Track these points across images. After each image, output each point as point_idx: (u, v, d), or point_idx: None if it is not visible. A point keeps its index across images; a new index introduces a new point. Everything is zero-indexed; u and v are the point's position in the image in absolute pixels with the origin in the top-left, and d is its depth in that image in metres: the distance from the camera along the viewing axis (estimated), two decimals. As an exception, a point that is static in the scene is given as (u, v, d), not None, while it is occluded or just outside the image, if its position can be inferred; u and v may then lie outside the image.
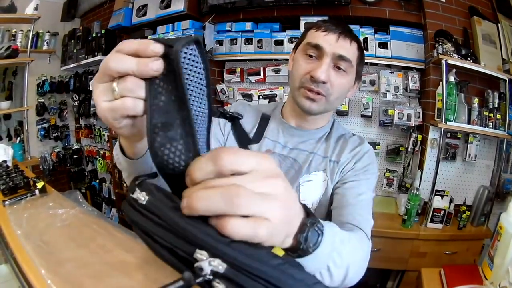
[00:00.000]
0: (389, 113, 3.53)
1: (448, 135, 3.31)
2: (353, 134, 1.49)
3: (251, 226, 0.46)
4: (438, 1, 3.25)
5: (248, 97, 4.27)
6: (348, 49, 1.28)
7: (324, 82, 1.27)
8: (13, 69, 5.74)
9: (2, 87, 5.75)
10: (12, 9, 5.05)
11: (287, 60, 3.70)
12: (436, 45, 3.12)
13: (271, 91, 4.07)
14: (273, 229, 0.48)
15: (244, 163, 0.49)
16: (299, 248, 0.61)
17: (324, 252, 0.67)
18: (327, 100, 1.31)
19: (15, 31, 5.47)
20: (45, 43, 5.91)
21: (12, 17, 5.09)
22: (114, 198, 5.57)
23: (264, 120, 1.53)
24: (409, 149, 3.54)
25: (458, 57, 3.07)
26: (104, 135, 5.62)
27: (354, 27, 3.31)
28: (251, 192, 0.46)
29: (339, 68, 1.29)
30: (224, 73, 4.44)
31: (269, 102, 4.07)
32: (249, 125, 1.51)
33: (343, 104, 3.66)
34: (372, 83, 3.61)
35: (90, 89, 5.45)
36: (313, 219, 0.63)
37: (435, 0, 3.25)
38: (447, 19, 3.29)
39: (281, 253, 0.51)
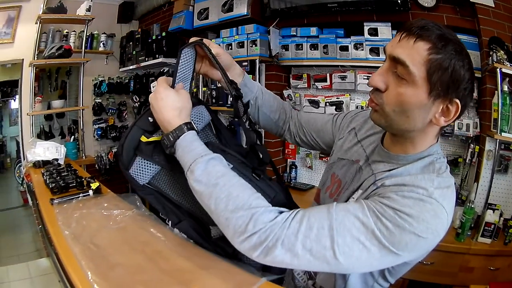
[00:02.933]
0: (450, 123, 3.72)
1: (502, 147, 3.41)
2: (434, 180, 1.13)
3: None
4: (488, 6, 3.38)
5: (315, 103, 4.49)
6: (408, 48, 1.10)
7: (376, 89, 1.20)
8: (67, 69, 6.27)
9: (55, 86, 6.29)
10: (62, 10, 5.49)
11: (353, 66, 4.03)
12: (491, 53, 3.26)
13: (337, 98, 4.28)
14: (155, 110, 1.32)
15: None
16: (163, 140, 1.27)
17: (181, 157, 1.24)
18: (383, 111, 1.19)
19: (67, 32, 5.97)
20: (101, 44, 6.42)
21: (63, 18, 5.58)
22: None
23: (368, 135, 1.52)
24: (467, 161, 3.66)
25: (511, 66, 3.17)
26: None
27: None
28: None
29: (398, 75, 1.13)
30: (291, 79, 4.72)
31: (335, 109, 4.27)
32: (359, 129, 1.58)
33: None
34: None
35: (151, 91, 5.98)
36: (178, 130, 1.25)
37: (486, 5, 3.38)
38: (497, 25, 3.42)
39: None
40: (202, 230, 1.43)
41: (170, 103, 1.29)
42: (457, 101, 1.12)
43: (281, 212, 1.11)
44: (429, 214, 1.06)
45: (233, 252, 1.29)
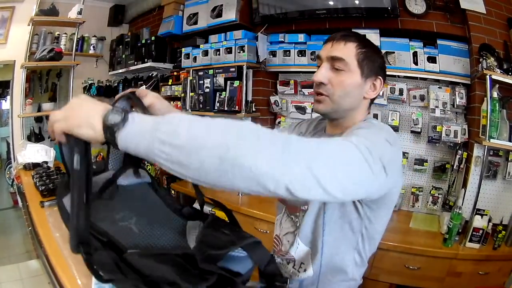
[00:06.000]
0: (437, 130, 3.73)
1: (491, 153, 3.43)
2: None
3: (57, 124, 1.01)
4: (479, 13, 3.43)
5: (301, 109, 4.53)
6: (341, 49, 1.51)
7: (322, 83, 1.53)
8: (57, 71, 6.30)
9: (45, 88, 6.31)
10: (54, 13, 5.49)
11: None
12: (481, 60, 3.28)
13: None
14: (70, 120, 1.00)
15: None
16: (106, 123, 0.95)
17: (142, 126, 0.95)
18: (331, 99, 1.54)
19: (58, 34, 6.01)
20: (92, 47, 6.48)
21: (54, 20, 5.60)
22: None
23: (314, 132, 1.86)
24: (454, 167, 3.69)
25: (501, 72, 3.20)
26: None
27: (404, 41, 3.65)
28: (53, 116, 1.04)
29: (337, 69, 1.51)
30: (278, 85, 4.75)
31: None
32: (304, 133, 1.89)
33: (394, 120, 3.91)
34: (422, 98, 3.84)
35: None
36: (117, 108, 0.99)
37: (477, 12, 3.43)
38: (489, 32, 3.45)
39: None
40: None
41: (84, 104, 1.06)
42: (380, 77, 1.60)
43: None
44: (382, 127, 1.47)
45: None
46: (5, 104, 7.13)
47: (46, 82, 6.48)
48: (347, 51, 1.51)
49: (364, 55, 1.53)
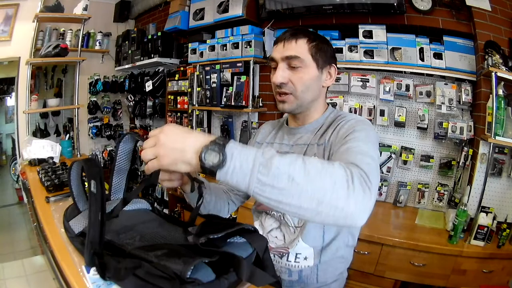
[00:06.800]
0: (443, 126, 3.74)
1: (496, 150, 3.43)
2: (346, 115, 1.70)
3: (151, 163, 1.05)
4: (485, 10, 3.42)
5: None
6: (294, 47, 1.60)
7: (283, 83, 1.62)
8: (63, 67, 6.34)
9: (51, 84, 6.37)
10: (59, 9, 5.56)
11: (347, 68, 4.06)
12: (486, 57, 3.29)
13: (331, 100, 4.27)
14: (164, 159, 1.02)
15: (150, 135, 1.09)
16: (204, 165, 0.97)
17: (241, 167, 0.98)
18: (295, 96, 1.65)
19: (64, 30, 6.04)
20: (97, 43, 6.53)
21: (60, 17, 5.63)
22: (167, 199, 5.98)
23: (278, 129, 1.98)
24: (460, 163, 3.68)
25: (506, 70, 3.20)
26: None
27: (410, 37, 3.65)
28: (146, 149, 1.06)
29: (294, 67, 1.61)
30: None
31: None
32: (267, 134, 2.00)
33: (400, 116, 3.93)
34: (428, 94, 3.85)
35: (146, 90, 5.99)
36: (213, 144, 0.98)
37: (483, 9, 3.42)
38: (494, 29, 3.44)
39: None
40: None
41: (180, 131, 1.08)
42: (333, 65, 1.72)
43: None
44: (367, 125, 1.56)
45: None
46: (10, 101, 7.17)
47: (51, 78, 6.53)
48: (300, 48, 1.61)
49: (316, 48, 1.63)
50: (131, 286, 1.02)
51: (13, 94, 6.05)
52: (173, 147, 1.02)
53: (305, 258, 1.68)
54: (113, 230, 1.26)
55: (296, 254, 1.68)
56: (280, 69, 1.63)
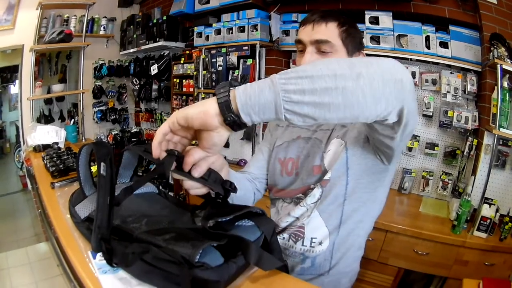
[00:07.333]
0: (448, 115, 3.76)
1: (500, 142, 3.45)
2: None
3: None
4: (490, 3, 3.42)
5: None
6: (324, 31, 1.52)
7: None
8: (67, 53, 6.38)
9: (55, 70, 6.41)
10: None
11: None
12: (492, 49, 3.30)
13: None
14: (180, 113, 0.96)
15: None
16: (230, 115, 0.91)
17: (264, 97, 0.88)
18: None
19: (68, 16, 6.05)
20: (102, 28, 6.55)
21: (64, 3, 5.68)
22: (172, 183, 5.99)
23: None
24: (465, 153, 3.71)
25: (511, 63, 3.23)
26: (165, 120, 6.02)
27: (416, 24, 3.65)
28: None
29: (323, 52, 1.53)
30: (291, 64, 4.80)
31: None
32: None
33: None
34: (434, 82, 3.87)
35: (152, 73, 6.04)
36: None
37: (488, 1, 3.43)
38: (499, 22, 3.44)
39: None
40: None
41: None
42: (362, 51, 1.66)
43: None
44: None
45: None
46: (14, 89, 7.21)
47: (55, 65, 6.56)
48: (330, 32, 1.53)
49: (346, 33, 1.56)
50: (138, 271, 1.04)
51: (17, 81, 6.06)
52: (187, 110, 0.97)
53: (320, 243, 1.62)
54: (119, 214, 1.27)
55: (312, 238, 1.63)
56: (309, 53, 1.56)
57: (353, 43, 1.58)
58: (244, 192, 1.78)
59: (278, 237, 1.62)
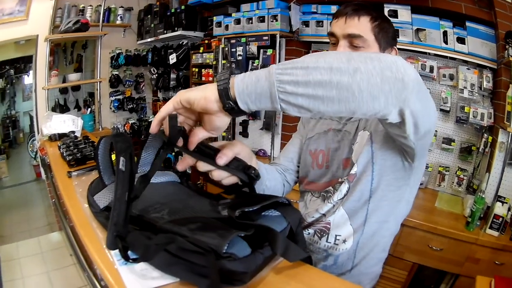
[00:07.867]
0: (465, 110, 3.74)
1: None
2: None
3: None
4: (505, 1, 3.38)
5: None
6: (357, 25, 1.50)
7: None
8: (83, 42, 6.42)
9: (70, 60, 6.46)
10: None
11: None
12: (507, 47, 3.29)
13: None
14: (182, 95, 1.00)
15: None
16: (228, 103, 0.96)
17: (260, 87, 0.93)
18: None
19: (83, 6, 6.07)
20: (119, 18, 6.57)
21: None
22: (190, 172, 6.04)
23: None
24: (480, 150, 3.71)
25: None
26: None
27: (434, 19, 3.64)
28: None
29: (356, 46, 1.52)
30: None
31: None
32: None
33: None
34: (451, 77, 3.85)
35: (170, 63, 6.06)
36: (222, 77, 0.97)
37: (504, 0, 3.39)
38: None
39: None
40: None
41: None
42: (395, 47, 1.63)
43: None
44: None
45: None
46: (28, 79, 7.26)
47: (71, 54, 6.59)
48: (362, 26, 1.51)
49: (379, 27, 1.53)
50: (161, 263, 1.01)
51: (31, 72, 6.09)
52: (190, 93, 1.01)
53: (344, 241, 1.61)
54: (141, 203, 1.25)
55: (336, 235, 1.62)
56: (341, 47, 1.55)
57: (386, 38, 1.56)
58: (275, 183, 1.77)
59: (303, 232, 1.63)
